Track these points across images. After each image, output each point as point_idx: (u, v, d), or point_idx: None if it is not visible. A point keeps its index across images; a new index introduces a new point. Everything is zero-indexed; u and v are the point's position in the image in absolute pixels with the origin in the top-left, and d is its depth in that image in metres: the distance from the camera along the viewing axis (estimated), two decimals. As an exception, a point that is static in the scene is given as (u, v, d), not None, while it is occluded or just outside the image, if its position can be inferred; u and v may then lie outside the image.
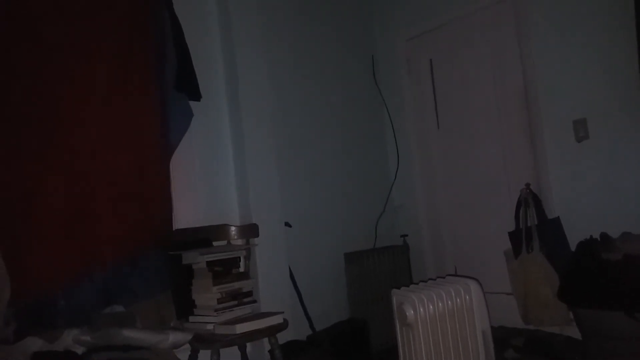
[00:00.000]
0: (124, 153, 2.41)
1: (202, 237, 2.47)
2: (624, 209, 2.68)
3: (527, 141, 3.19)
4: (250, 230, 2.56)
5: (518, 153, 3.25)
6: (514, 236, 2.92)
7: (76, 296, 2.20)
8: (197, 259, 2.26)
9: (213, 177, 2.87)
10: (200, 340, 2.14)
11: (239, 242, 2.55)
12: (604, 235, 2.46)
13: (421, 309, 2.08)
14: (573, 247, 2.55)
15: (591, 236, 2.48)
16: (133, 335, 1.92)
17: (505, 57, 3.28)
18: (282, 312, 2.32)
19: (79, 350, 1.91)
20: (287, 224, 3.03)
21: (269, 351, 2.36)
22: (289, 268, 2.98)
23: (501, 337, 2.78)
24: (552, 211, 2.96)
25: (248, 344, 2.54)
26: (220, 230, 2.50)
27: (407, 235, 3.70)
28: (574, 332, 2.57)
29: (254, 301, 2.38)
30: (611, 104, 2.76)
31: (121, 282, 2.33)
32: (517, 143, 3.24)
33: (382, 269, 3.36)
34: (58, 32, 2.27)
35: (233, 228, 2.51)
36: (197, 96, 2.72)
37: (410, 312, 2.06)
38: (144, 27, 2.54)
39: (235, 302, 2.28)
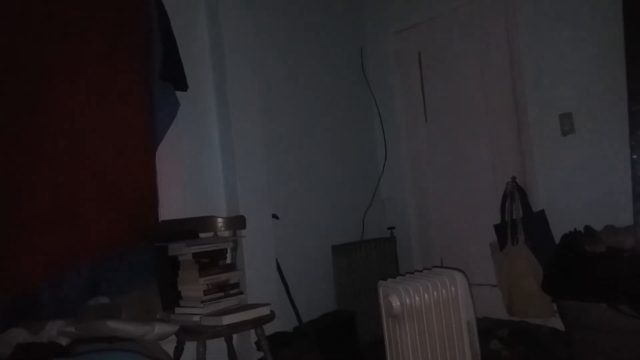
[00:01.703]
0: (109, 144, 2.39)
1: (189, 228, 2.45)
2: (608, 203, 2.72)
3: (514, 134, 3.21)
4: (237, 222, 2.55)
5: (505, 146, 3.27)
6: (500, 229, 2.94)
7: (61, 287, 2.19)
8: (184, 251, 2.25)
9: (200, 168, 2.85)
10: (187, 332, 2.13)
11: (226, 233, 2.54)
12: (587, 228, 2.49)
13: (407, 300, 2.09)
14: (557, 240, 2.58)
15: (575, 229, 2.51)
16: (118, 326, 1.91)
17: (493, 51, 3.29)
18: (269, 304, 2.31)
19: (64, 341, 1.90)
20: (274, 216, 3.03)
21: (255, 342, 2.37)
22: (276, 260, 2.98)
23: (486, 328, 2.81)
24: (537, 204, 2.99)
25: (234, 336, 2.54)
26: (207, 222, 2.48)
27: (394, 228, 3.72)
28: (558, 324, 2.60)
29: (241, 293, 2.37)
30: (597, 99, 2.78)
31: (107, 273, 2.32)
32: (504, 136, 3.27)
33: (369, 261, 3.37)
34: (42, 22, 2.23)
35: (220, 220, 2.50)
36: (183, 86, 2.69)
37: (396, 303, 2.08)
38: (130, 16, 2.51)
39: (222, 294, 2.28)
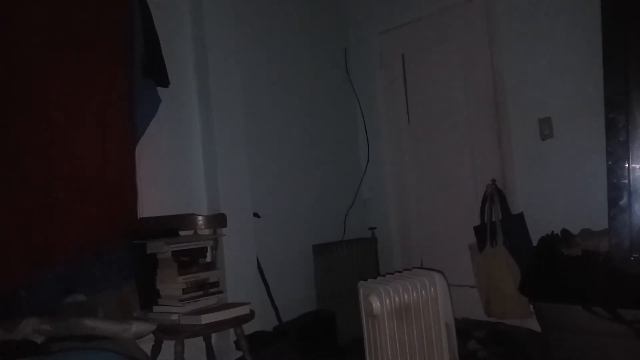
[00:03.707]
0: (87, 139, 2.34)
1: (168, 226, 2.42)
2: (585, 207, 2.76)
3: (494, 138, 3.25)
4: (218, 220, 2.53)
5: (485, 149, 3.30)
6: (479, 231, 2.98)
7: (37, 285, 2.14)
8: (163, 249, 2.23)
9: (181, 165, 2.82)
10: (165, 331, 2.11)
11: (207, 232, 2.52)
12: (564, 232, 2.53)
13: (387, 301, 2.10)
14: (535, 242, 2.61)
15: (552, 232, 2.55)
16: (95, 324, 1.88)
17: (475, 55, 3.33)
18: (249, 303, 2.31)
19: (38, 339, 1.86)
20: (255, 215, 3.02)
21: (234, 342, 2.35)
22: (257, 259, 2.97)
23: (464, 328, 2.83)
24: (516, 207, 3.03)
25: (213, 335, 2.53)
26: (187, 220, 2.46)
27: (375, 228, 3.73)
28: (535, 325, 2.64)
29: (221, 292, 2.36)
30: (576, 104, 2.83)
31: (84, 270, 2.27)
32: (485, 140, 3.30)
33: (350, 261, 3.38)
34: (21, 14, 2.18)
35: (200, 218, 2.48)
36: (165, 82, 2.67)
37: (376, 304, 2.09)
38: (111, 9, 2.47)
39: (201, 293, 2.26)
